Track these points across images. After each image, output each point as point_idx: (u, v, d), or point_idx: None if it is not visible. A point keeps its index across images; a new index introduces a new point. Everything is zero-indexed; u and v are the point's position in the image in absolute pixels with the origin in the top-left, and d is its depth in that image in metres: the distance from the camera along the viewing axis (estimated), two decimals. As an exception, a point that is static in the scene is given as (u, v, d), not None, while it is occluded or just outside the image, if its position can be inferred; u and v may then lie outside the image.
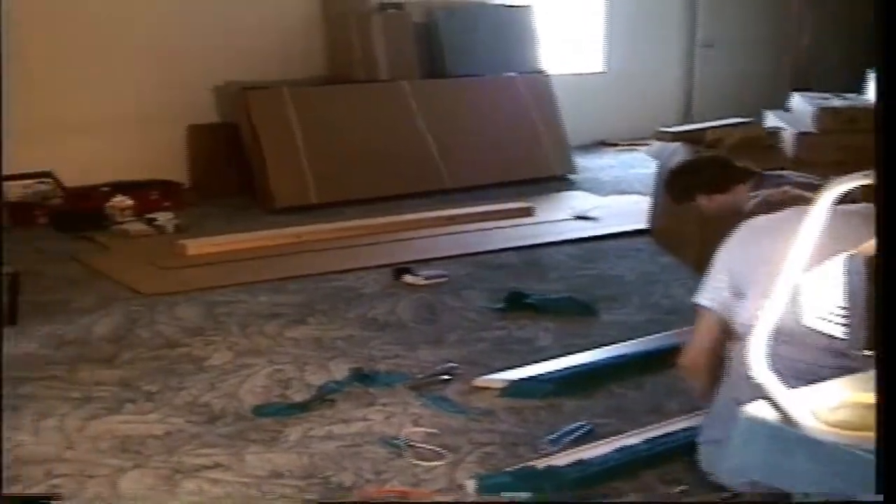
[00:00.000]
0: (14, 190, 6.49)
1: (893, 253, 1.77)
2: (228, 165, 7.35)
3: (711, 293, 2.80)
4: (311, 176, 7.01)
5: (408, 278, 5.05)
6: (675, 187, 3.91)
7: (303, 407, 3.54)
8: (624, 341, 4.14)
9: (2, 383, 3.46)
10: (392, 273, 5.14)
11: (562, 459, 3.08)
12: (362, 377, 3.76)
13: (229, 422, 3.45)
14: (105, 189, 6.65)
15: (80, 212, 6.47)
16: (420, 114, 7.60)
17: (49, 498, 2.94)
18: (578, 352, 4.04)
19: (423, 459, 3.13)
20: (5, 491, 2.94)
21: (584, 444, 3.22)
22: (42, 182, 6.68)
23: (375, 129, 7.40)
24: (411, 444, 3.21)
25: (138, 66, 7.18)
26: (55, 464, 3.16)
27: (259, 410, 3.53)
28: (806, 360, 2.46)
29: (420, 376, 3.78)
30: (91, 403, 3.62)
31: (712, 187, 3.66)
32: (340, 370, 3.87)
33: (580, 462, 3.06)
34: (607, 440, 3.23)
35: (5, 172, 6.27)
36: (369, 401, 3.59)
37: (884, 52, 1.83)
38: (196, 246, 5.70)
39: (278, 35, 7.73)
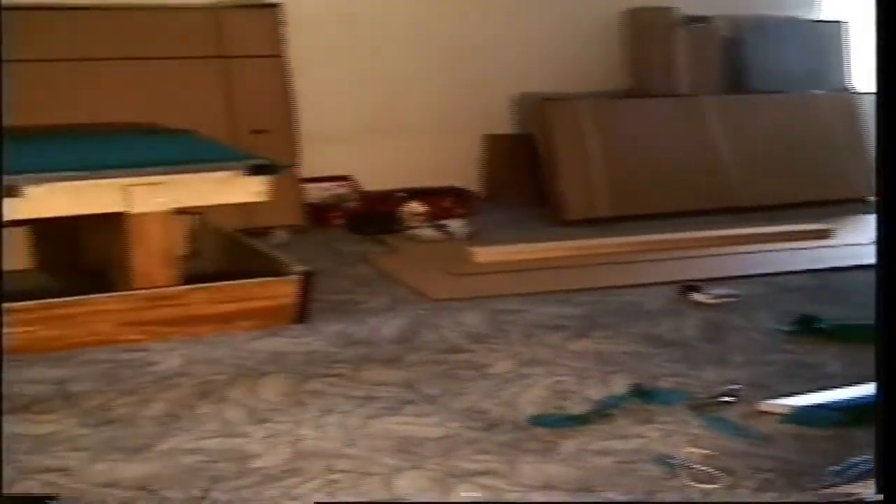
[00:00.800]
0: (313, 192, 6.72)
1: (893, 252, 1.66)
2: (521, 176, 7.40)
3: None
4: (604, 189, 6.97)
5: (695, 296, 4.94)
6: None
7: (580, 420, 3.50)
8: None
9: (2, 382, 3.54)
10: (679, 290, 5.04)
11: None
12: (642, 394, 3.69)
13: (506, 430, 3.44)
14: (400, 194, 6.80)
15: (374, 215, 6.63)
16: (718, 130, 7.44)
17: (49, 498, 3.00)
18: (870, 381, 3.84)
19: (698, 481, 3.03)
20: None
21: (869, 478, 3.05)
22: (340, 185, 6.89)
23: (672, 144, 7.30)
24: (687, 464, 3.13)
25: (439, 74, 7.31)
26: (335, 460, 3.22)
27: (536, 420, 3.51)
28: None
29: (701, 396, 3.68)
30: (373, 403, 3.68)
31: None
32: (620, 385, 3.81)
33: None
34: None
35: (308, 175, 6.53)
36: (647, 418, 3.51)
37: (884, 52, 1.72)
38: (485, 254, 5.75)
39: (576, 46, 7.72)
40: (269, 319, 4.52)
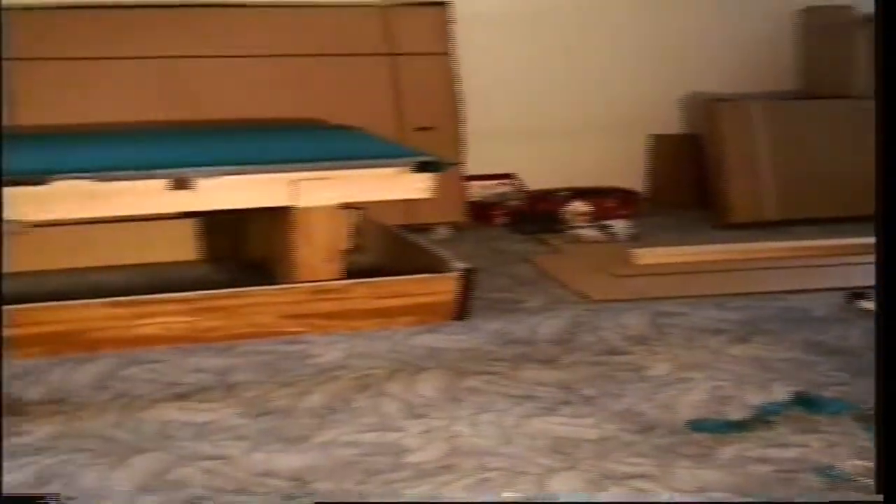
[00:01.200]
0: (476, 189, 6.74)
1: (893, 253, 1.61)
2: (687, 177, 7.30)
3: None
4: (771, 191, 6.82)
5: (863, 304, 4.80)
6: None
7: (740, 426, 3.43)
8: None
9: (2, 381, 3.55)
10: (846, 297, 4.90)
11: None
12: (805, 402, 3.60)
13: (663, 433, 3.39)
14: (564, 193, 6.77)
15: (537, 214, 6.61)
16: (893, 133, 7.23)
17: (49, 498, 3.00)
18: None
19: (861, 494, 2.95)
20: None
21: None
22: (503, 183, 6.89)
23: (844, 147, 7.10)
24: (850, 477, 3.04)
25: (607, 72, 7.26)
26: (489, 457, 3.22)
27: (695, 425, 3.45)
28: None
29: (868, 407, 3.57)
30: (529, 402, 3.67)
31: None
32: (781, 392, 3.72)
33: None
34: None
35: (471, 172, 6.55)
36: (810, 427, 3.43)
37: (884, 52, 1.67)
38: (647, 255, 5.68)
39: (748, 46, 7.57)
40: (428, 315, 4.54)
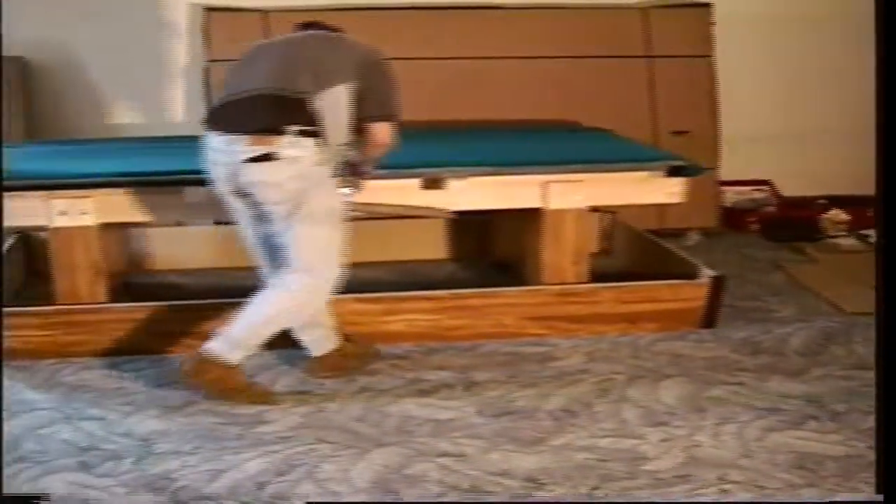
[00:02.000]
0: (730, 195, 6.61)
1: (893, 252, 1.73)
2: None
3: None
4: None
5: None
6: None
7: None
8: None
9: (2, 380, 3.49)
10: None
11: None
12: None
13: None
14: (821, 201, 6.57)
15: (792, 221, 6.43)
16: None
17: (43, 498, 2.96)
18: None
19: None
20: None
21: None
22: (759, 189, 6.74)
23: None
24: None
25: (867, 78, 6.99)
26: (729, 470, 3.17)
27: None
28: None
29: None
30: (774, 415, 3.59)
31: None
32: None
33: None
34: None
35: (725, 178, 6.44)
36: None
37: (884, 52, 1.78)
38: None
39: None
40: (675, 322, 4.48)
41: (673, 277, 4.59)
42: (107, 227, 4.39)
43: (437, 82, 6.08)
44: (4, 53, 5.91)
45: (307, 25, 3.89)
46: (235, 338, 3.66)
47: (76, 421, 3.57)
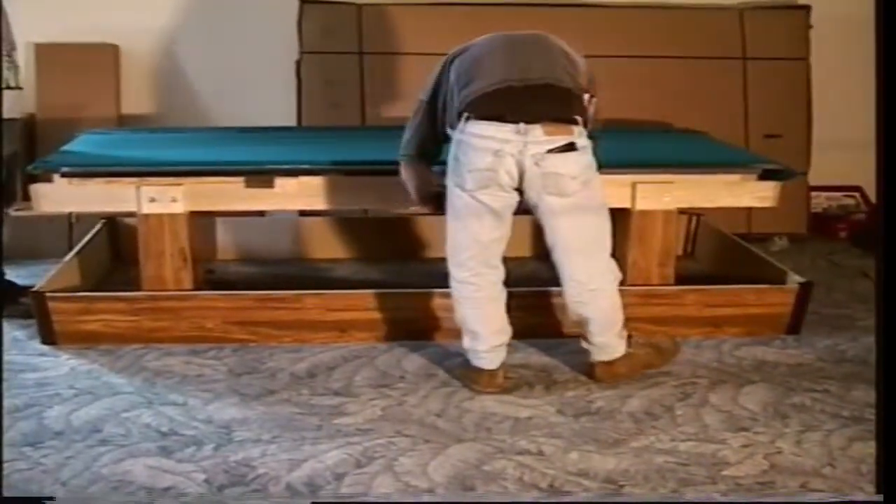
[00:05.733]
0: (819, 201, 6.52)
1: (893, 252, 1.78)
2: None
3: None
4: None
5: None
6: None
7: None
8: None
9: (2, 379, 3.44)
10: None
11: None
12: None
13: None
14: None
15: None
16: None
17: (47, 499, 2.94)
18: None
19: None
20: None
21: None
22: (849, 195, 6.64)
23: None
24: None
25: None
26: (812, 478, 3.12)
27: None
28: None
29: None
30: (858, 424, 3.53)
31: None
32: None
33: None
34: None
35: (815, 183, 6.34)
36: None
37: (884, 52, 1.86)
38: None
39: None
40: (759, 327, 4.43)
41: (760, 282, 4.53)
42: (195, 214, 4.43)
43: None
44: (100, 40, 6.02)
45: None
46: (617, 331, 3.83)
47: (158, 406, 3.62)
